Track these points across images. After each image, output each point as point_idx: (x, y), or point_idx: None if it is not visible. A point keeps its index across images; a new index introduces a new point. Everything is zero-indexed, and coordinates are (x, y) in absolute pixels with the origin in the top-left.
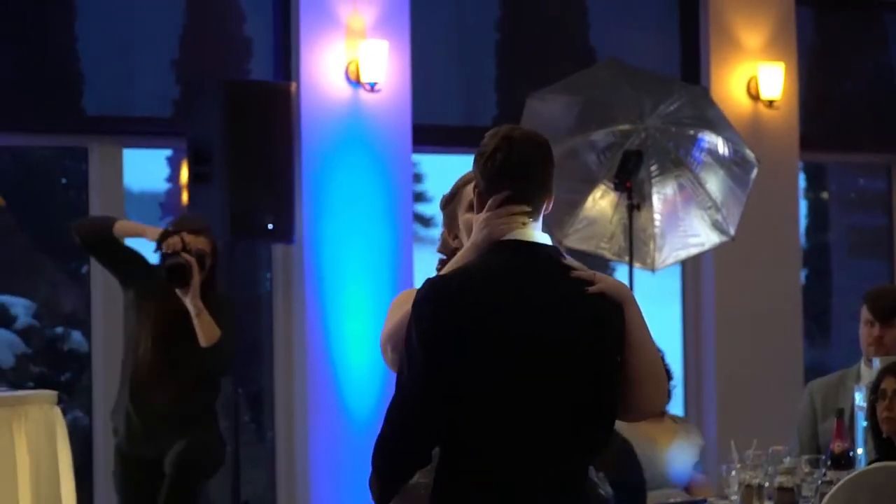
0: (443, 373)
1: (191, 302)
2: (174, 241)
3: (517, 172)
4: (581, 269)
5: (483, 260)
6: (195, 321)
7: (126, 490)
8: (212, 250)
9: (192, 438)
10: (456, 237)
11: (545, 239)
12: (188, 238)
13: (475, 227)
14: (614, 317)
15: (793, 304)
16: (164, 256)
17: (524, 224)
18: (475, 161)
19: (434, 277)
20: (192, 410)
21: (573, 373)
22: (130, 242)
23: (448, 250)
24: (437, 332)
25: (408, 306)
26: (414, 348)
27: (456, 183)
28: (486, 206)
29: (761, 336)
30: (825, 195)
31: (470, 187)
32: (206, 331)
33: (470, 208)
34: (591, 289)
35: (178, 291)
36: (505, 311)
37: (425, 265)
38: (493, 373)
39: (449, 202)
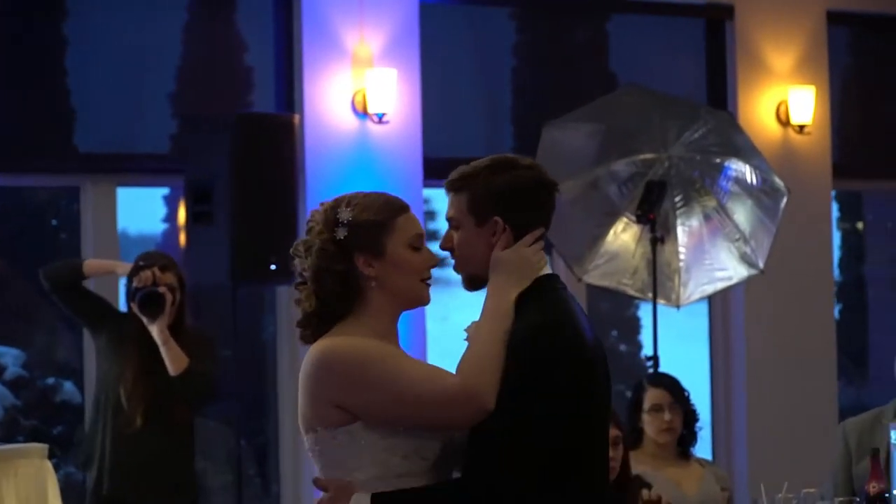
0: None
1: (158, 330)
2: (146, 275)
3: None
4: None
5: (559, 298)
6: (162, 350)
7: None
8: (180, 285)
9: (185, 490)
10: (370, 265)
11: None
12: (158, 273)
13: (510, 261)
14: None
15: (826, 341)
16: (135, 290)
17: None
18: (508, 191)
19: (548, 325)
20: (179, 454)
21: None
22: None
23: (330, 289)
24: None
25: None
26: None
27: (380, 212)
28: (523, 241)
29: (794, 375)
30: (860, 225)
31: (405, 219)
32: (173, 358)
33: (411, 245)
34: None
35: (146, 322)
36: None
37: (438, 306)
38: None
39: (372, 230)
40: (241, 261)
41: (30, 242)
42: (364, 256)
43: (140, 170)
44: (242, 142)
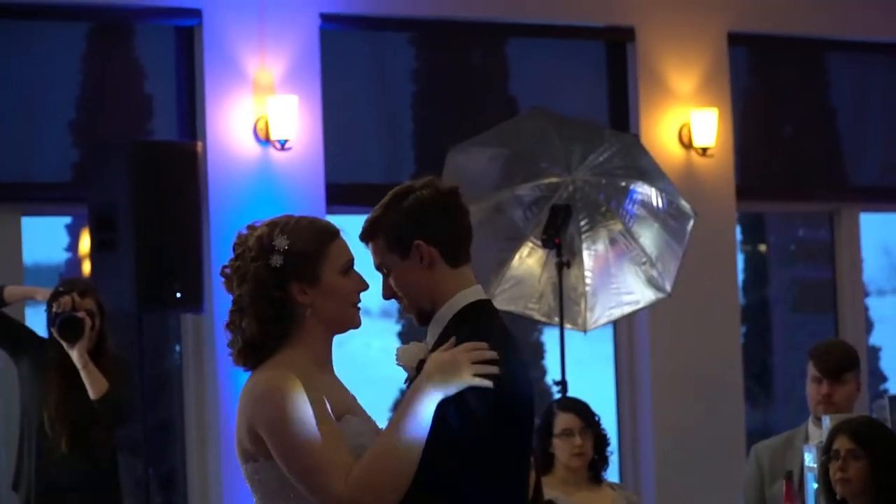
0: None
1: (77, 355)
2: (65, 300)
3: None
4: None
5: (493, 324)
6: (82, 374)
7: None
8: (99, 311)
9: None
10: (304, 293)
11: None
12: (77, 299)
13: (439, 364)
14: None
15: (732, 364)
16: (55, 315)
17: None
18: (414, 213)
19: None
20: (104, 477)
21: None
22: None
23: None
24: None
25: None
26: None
27: (315, 240)
28: (462, 346)
29: (700, 398)
30: (763, 247)
31: (337, 245)
32: (93, 382)
33: (342, 271)
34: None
35: (66, 346)
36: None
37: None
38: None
39: (307, 258)
40: (145, 288)
41: None
42: (299, 284)
43: (44, 199)
44: (143, 169)
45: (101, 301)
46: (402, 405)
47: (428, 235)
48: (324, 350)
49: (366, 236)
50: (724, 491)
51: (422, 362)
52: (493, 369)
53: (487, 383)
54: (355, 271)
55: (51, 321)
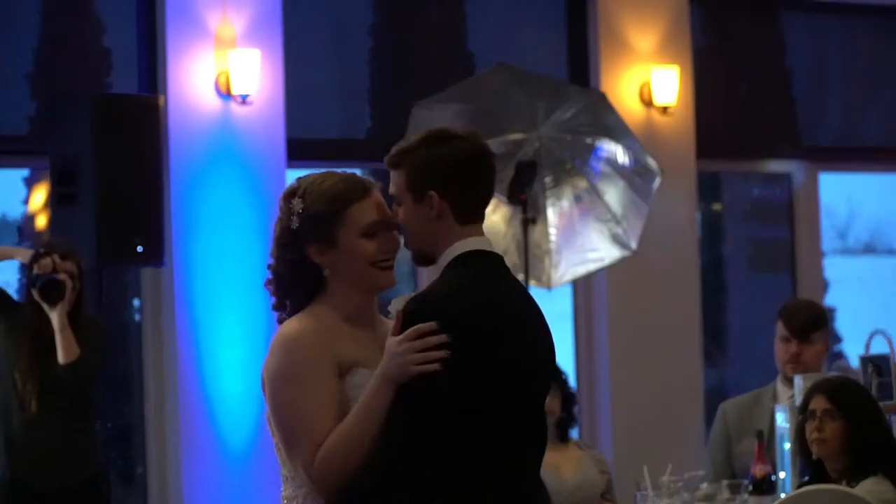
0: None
1: (57, 317)
2: (46, 262)
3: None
4: None
5: (474, 271)
6: (57, 336)
7: None
8: (79, 274)
9: (85, 467)
10: (322, 254)
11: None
12: (58, 261)
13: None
14: None
15: (691, 322)
16: (35, 276)
17: None
18: (444, 165)
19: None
20: (77, 435)
21: None
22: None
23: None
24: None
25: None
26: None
27: (333, 202)
28: (410, 331)
29: (658, 356)
30: (718, 206)
31: (360, 207)
32: (65, 347)
33: (365, 233)
34: None
35: (46, 308)
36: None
37: None
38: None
39: (323, 221)
40: (106, 242)
41: None
42: (315, 246)
43: (2, 151)
44: (105, 123)
45: (82, 264)
46: (366, 390)
47: (444, 190)
48: (355, 306)
49: (390, 163)
50: (681, 449)
51: None
52: (440, 354)
53: (434, 367)
54: (384, 233)
55: (31, 282)
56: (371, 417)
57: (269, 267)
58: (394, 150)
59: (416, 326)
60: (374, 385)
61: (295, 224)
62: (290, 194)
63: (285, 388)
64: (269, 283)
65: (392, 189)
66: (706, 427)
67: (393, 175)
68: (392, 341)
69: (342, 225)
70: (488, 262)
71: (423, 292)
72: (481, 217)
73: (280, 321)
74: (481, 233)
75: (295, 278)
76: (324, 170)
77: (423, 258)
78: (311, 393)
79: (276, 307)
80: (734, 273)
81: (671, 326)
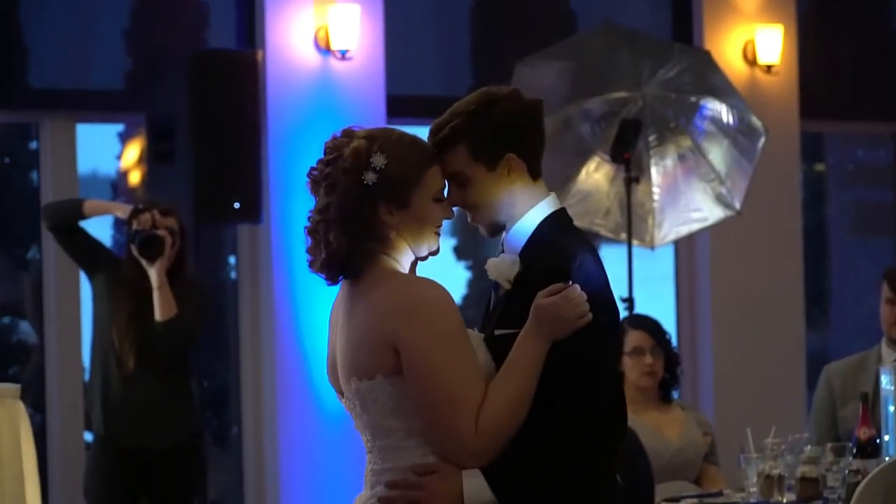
0: None
1: (156, 274)
2: (145, 217)
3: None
4: None
5: (572, 236)
6: (155, 294)
7: (110, 481)
8: (180, 231)
9: (181, 427)
10: (391, 214)
11: None
12: (158, 217)
13: (548, 309)
14: None
15: (793, 285)
16: (135, 232)
17: None
18: (506, 124)
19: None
20: (174, 394)
21: None
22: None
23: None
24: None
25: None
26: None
27: (414, 165)
28: (570, 290)
29: (760, 318)
30: (821, 168)
31: (433, 172)
32: (163, 305)
33: (435, 198)
34: None
35: (145, 264)
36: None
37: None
38: None
39: (402, 182)
40: (203, 200)
41: None
42: (387, 205)
43: (99, 107)
44: (203, 79)
45: (182, 220)
46: (514, 352)
47: (519, 149)
48: (410, 271)
49: (442, 143)
50: (784, 412)
51: (517, 278)
52: (589, 316)
53: (587, 320)
54: (444, 198)
55: (130, 238)
56: (529, 378)
57: (327, 221)
58: (441, 128)
59: (569, 285)
60: (528, 346)
61: (371, 180)
62: (366, 148)
63: (444, 351)
64: (320, 235)
65: (452, 168)
66: (808, 391)
67: (447, 154)
68: (545, 301)
69: (419, 187)
70: (569, 222)
71: (553, 252)
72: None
73: (326, 277)
74: (545, 187)
75: (363, 233)
76: (422, 126)
77: (497, 227)
78: (468, 354)
79: (328, 264)
80: (837, 236)
81: (773, 289)
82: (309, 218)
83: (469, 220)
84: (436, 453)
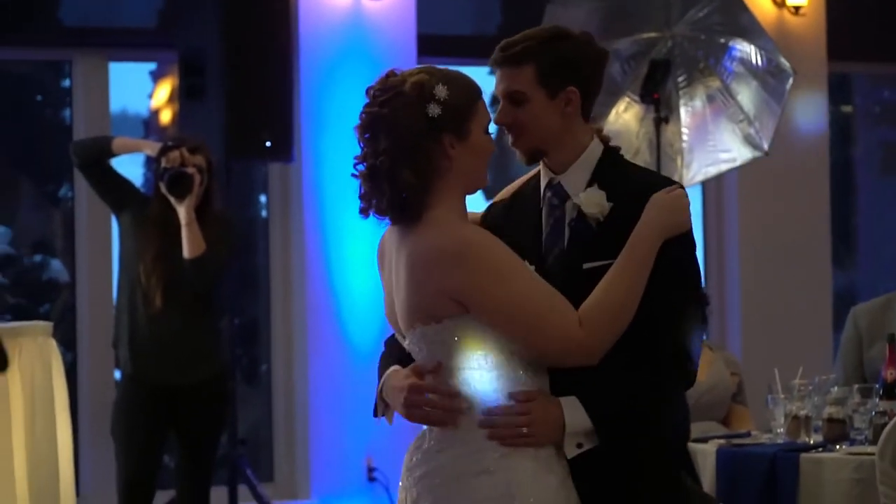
0: None
1: (185, 211)
2: (174, 155)
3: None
4: None
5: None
6: (184, 231)
7: (137, 419)
8: (208, 169)
9: (208, 364)
10: (453, 147)
11: None
12: (186, 155)
13: (667, 206)
14: None
15: (820, 225)
16: (164, 170)
17: None
18: (576, 60)
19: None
20: (201, 331)
21: None
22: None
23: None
24: None
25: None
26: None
27: (470, 94)
28: (680, 191)
29: (788, 258)
30: (849, 108)
31: (482, 103)
32: (191, 242)
33: (486, 129)
34: None
35: (174, 202)
36: None
37: None
38: None
39: (463, 111)
40: (234, 137)
41: (13, 117)
42: (450, 137)
43: (131, 44)
44: (234, 15)
45: (211, 158)
46: (630, 248)
47: (582, 86)
48: (463, 208)
49: (511, 60)
50: (811, 352)
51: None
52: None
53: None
54: (490, 133)
55: (159, 176)
56: (640, 276)
57: (392, 160)
58: (509, 46)
59: (679, 192)
60: (645, 243)
61: (435, 112)
62: (427, 81)
63: (509, 284)
64: (382, 177)
65: (514, 86)
66: (835, 331)
67: (512, 72)
68: (667, 196)
69: (476, 117)
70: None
71: (647, 175)
72: None
73: (393, 218)
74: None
75: (433, 170)
76: (454, 66)
77: (538, 154)
78: (531, 276)
79: (395, 205)
80: (864, 176)
81: (801, 229)
82: (364, 162)
83: (510, 142)
84: (550, 363)
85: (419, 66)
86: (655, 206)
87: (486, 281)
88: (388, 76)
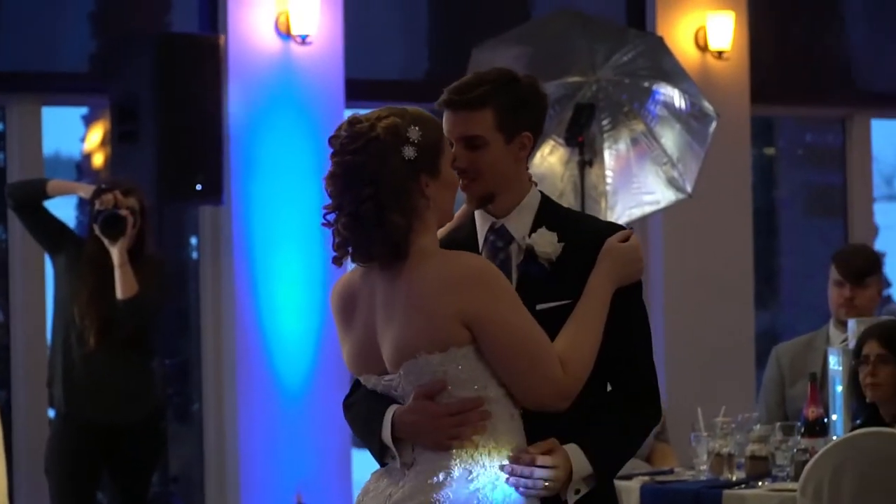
0: None
1: (118, 253)
2: (108, 197)
3: None
4: None
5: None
6: (117, 272)
7: (70, 457)
8: (141, 211)
9: (141, 403)
10: (428, 185)
11: None
12: (120, 197)
13: (622, 254)
14: None
15: (744, 267)
16: (97, 212)
17: None
18: (529, 104)
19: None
20: (134, 370)
21: None
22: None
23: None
24: None
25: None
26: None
27: (437, 132)
28: (633, 240)
29: (711, 299)
30: (771, 151)
31: (446, 138)
32: (124, 283)
33: (450, 163)
34: None
35: (107, 243)
36: None
37: None
38: None
39: (433, 150)
40: (165, 180)
41: None
42: (425, 177)
43: (62, 89)
44: (166, 61)
45: (144, 201)
46: (588, 295)
47: (534, 130)
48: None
49: (470, 104)
50: (733, 391)
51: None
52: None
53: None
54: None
55: (93, 218)
56: (602, 321)
57: (378, 206)
58: (470, 89)
59: (633, 244)
60: (603, 289)
61: (410, 154)
62: (401, 125)
63: (515, 310)
64: (371, 224)
65: (473, 130)
66: (758, 370)
67: (470, 115)
68: (619, 247)
69: (444, 154)
70: None
71: (594, 220)
72: None
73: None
74: None
75: (419, 210)
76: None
77: (490, 198)
78: (527, 311)
79: (392, 249)
80: (787, 217)
81: (724, 270)
82: (339, 211)
83: (462, 185)
84: (530, 405)
85: (380, 108)
86: (611, 255)
87: (504, 306)
88: (352, 123)
